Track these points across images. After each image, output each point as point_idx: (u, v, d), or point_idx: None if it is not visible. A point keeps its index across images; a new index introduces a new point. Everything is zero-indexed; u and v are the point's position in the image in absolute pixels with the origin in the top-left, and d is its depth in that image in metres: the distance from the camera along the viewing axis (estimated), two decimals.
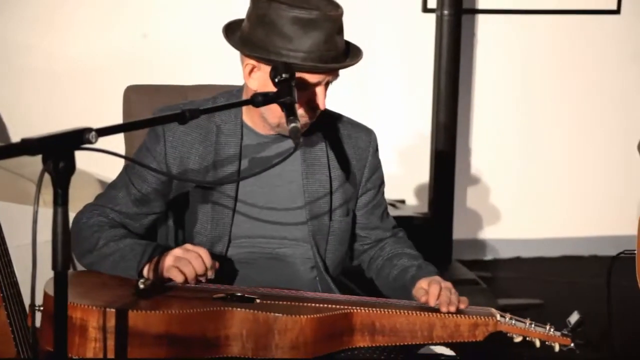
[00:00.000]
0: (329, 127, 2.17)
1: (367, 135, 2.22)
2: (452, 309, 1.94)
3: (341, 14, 1.99)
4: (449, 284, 2.01)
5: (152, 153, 2.10)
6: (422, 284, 2.03)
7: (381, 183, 2.25)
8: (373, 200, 2.23)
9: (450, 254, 4.21)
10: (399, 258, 2.19)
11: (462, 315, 1.93)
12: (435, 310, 1.95)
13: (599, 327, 2.67)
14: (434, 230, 4.14)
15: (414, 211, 4.26)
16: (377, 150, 2.23)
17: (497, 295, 3.95)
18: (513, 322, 1.95)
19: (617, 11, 4.41)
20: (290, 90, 1.89)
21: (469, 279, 4.06)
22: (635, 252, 2.41)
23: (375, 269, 2.23)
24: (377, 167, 2.22)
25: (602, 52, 4.47)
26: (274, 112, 2.02)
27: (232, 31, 2.05)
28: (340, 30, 2.00)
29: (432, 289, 1.98)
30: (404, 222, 4.04)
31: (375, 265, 2.23)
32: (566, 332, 1.95)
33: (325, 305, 1.89)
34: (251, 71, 2.02)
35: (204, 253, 1.95)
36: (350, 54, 2.04)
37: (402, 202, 4.34)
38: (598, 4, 4.41)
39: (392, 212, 4.15)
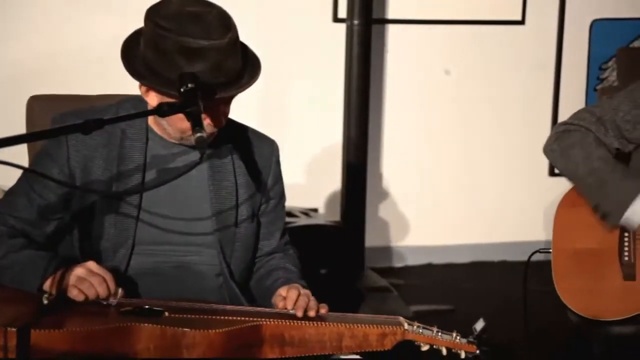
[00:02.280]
0: (234, 136, 2.18)
1: (270, 145, 2.24)
2: (312, 313, 1.96)
3: (231, 39, 1.95)
4: (307, 292, 2.04)
5: (54, 157, 2.06)
6: (281, 291, 2.06)
7: (282, 195, 2.27)
8: (273, 211, 2.24)
9: (363, 261, 4.24)
10: (277, 271, 2.20)
11: (370, 325, 1.94)
12: (344, 320, 1.95)
13: (509, 331, 2.73)
14: (346, 238, 4.16)
15: (327, 220, 4.27)
16: (279, 161, 2.25)
17: (409, 301, 3.99)
18: (421, 330, 1.96)
19: (521, 22, 4.52)
20: (196, 100, 1.87)
21: (382, 286, 4.10)
22: (551, 251, 2.47)
23: (255, 279, 2.23)
24: (279, 177, 2.25)
25: (509, 61, 4.57)
26: (175, 124, 2.01)
27: (135, 43, 2.02)
28: (230, 53, 1.96)
29: (290, 294, 2.01)
30: (317, 231, 4.12)
31: (257, 275, 2.24)
32: (472, 339, 1.97)
33: (234, 318, 1.88)
34: (147, 90, 2.01)
35: (109, 278, 1.92)
36: (246, 72, 2.01)
37: (315, 210, 4.35)
38: (504, 15, 4.50)
39: (305, 221, 4.17)
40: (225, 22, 1.96)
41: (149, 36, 1.96)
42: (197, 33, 1.92)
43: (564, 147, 2.45)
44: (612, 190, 2.37)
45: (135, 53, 1.99)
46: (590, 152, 2.42)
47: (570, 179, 2.48)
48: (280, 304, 2.02)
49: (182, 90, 1.87)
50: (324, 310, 1.99)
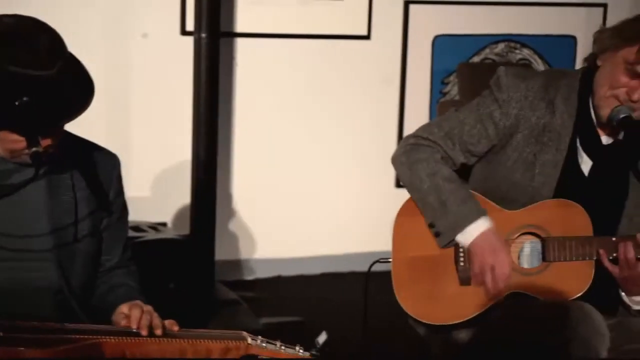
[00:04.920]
0: (74, 151, 2.15)
1: (112, 159, 2.22)
2: (159, 332, 1.95)
3: (61, 67, 1.91)
4: (149, 308, 2.03)
5: None
6: (123, 308, 2.05)
7: (124, 209, 2.25)
8: (115, 225, 2.22)
9: (213, 275, 4.22)
10: (119, 288, 2.19)
11: (213, 340, 1.94)
12: (186, 336, 1.95)
13: (354, 341, 2.78)
14: (195, 252, 4.13)
15: (176, 233, 4.23)
16: (120, 175, 2.23)
17: (259, 314, 4.01)
18: (264, 344, 1.98)
19: (367, 37, 4.63)
20: (31, 115, 1.83)
21: (232, 299, 4.09)
22: (390, 260, 2.52)
23: (97, 295, 2.21)
24: (120, 191, 2.23)
25: (356, 74, 4.66)
26: (5, 144, 1.96)
27: None
28: (61, 80, 1.91)
29: (133, 312, 1.99)
30: (164, 245, 4.06)
31: (99, 291, 2.21)
32: (314, 352, 2.00)
33: (73, 336, 1.84)
34: None
35: None
36: (79, 97, 1.97)
37: (164, 225, 4.30)
38: (350, 30, 4.60)
39: (153, 235, 4.11)
40: (56, 49, 1.93)
41: None
42: (26, 61, 1.88)
43: (412, 161, 2.50)
44: (449, 212, 2.43)
45: None
46: (437, 170, 2.47)
47: (412, 193, 2.52)
48: (123, 322, 2.00)
49: (16, 103, 1.83)
50: (175, 327, 1.98)
